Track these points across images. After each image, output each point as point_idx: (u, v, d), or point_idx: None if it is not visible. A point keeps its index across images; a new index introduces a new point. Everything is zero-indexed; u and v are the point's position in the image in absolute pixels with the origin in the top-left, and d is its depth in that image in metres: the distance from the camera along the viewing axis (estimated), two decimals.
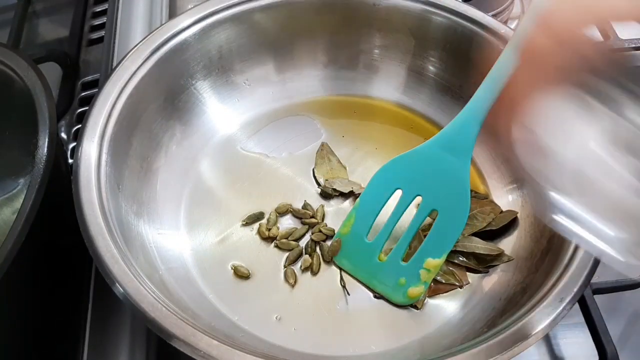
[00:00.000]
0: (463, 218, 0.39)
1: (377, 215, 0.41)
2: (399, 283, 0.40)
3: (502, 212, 0.44)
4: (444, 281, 0.41)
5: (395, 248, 0.41)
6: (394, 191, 0.41)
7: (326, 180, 0.46)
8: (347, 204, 0.46)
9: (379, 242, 0.41)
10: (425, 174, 0.39)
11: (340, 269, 0.42)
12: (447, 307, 0.40)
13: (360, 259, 0.41)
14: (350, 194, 0.46)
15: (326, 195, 0.46)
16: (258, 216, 0.44)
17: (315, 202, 0.46)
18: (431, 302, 0.41)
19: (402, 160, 0.40)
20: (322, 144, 0.48)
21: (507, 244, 0.43)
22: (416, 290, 0.40)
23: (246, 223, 0.44)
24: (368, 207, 0.41)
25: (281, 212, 0.45)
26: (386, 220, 0.41)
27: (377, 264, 0.41)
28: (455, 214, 0.39)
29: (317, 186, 0.46)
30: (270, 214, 0.44)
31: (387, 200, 0.41)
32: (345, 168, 0.47)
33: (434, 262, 0.39)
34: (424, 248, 0.40)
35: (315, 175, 0.47)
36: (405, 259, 0.40)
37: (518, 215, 0.44)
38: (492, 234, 0.43)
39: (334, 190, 0.46)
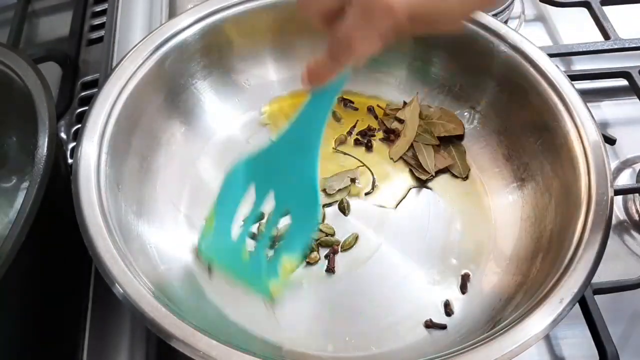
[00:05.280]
0: (314, 217, 0.38)
1: (234, 215, 0.40)
2: (262, 278, 0.39)
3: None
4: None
5: (256, 247, 0.41)
6: (248, 189, 0.40)
7: (324, 178, 0.46)
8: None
9: (240, 242, 0.41)
10: (275, 171, 0.38)
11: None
12: (446, 308, 0.40)
13: (228, 257, 0.41)
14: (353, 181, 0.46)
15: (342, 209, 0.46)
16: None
17: None
18: (431, 302, 0.41)
19: (253, 158, 0.39)
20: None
21: (507, 244, 0.43)
22: (277, 285, 0.39)
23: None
24: (226, 208, 0.40)
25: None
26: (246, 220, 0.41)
27: (242, 262, 0.40)
28: (306, 212, 0.38)
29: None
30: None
31: (242, 199, 0.40)
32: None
33: (291, 259, 0.39)
34: (280, 247, 0.40)
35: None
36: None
37: (519, 216, 0.44)
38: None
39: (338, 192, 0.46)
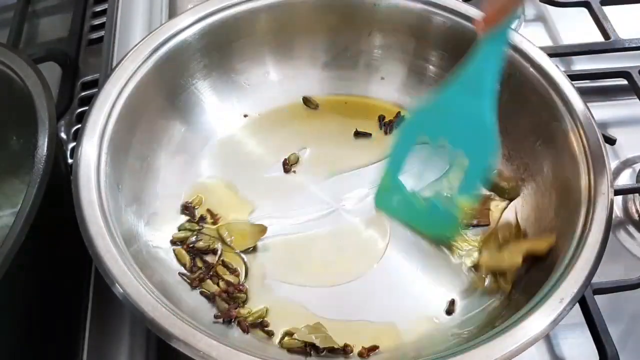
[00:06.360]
0: (487, 155, 0.40)
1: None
2: (440, 224, 0.42)
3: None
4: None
5: (431, 195, 0.43)
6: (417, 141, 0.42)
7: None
8: None
9: (414, 192, 0.43)
10: (449, 121, 0.40)
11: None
12: (447, 307, 0.40)
13: (404, 210, 0.44)
14: None
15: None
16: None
17: (309, 203, 0.45)
18: (430, 300, 0.41)
19: (424, 110, 0.42)
20: None
21: None
22: (454, 228, 0.42)
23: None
24: (397, 162, 0.43)
25: None
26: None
27: (419, 211, 0.43)
28: (480, 152, 0.40)
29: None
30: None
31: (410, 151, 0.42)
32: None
33: (466, 199, 0.41)
34: (455, 190, 0.41)
35: None
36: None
37: (519, 216, 0.44)
38: None
39: None
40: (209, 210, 0.44)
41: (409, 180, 0.43)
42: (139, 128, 0.43)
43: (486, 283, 0.41)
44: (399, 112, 0.50)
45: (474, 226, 0.44)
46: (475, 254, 0.43)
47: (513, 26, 0.41)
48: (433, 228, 0.43)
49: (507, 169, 0.46)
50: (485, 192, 0.45)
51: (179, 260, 0.41)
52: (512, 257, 0.40)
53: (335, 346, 0.38)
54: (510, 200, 0.45)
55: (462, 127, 0.40)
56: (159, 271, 0.39)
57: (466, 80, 0.39)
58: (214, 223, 0.44)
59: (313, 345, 0.37)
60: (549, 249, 0.39)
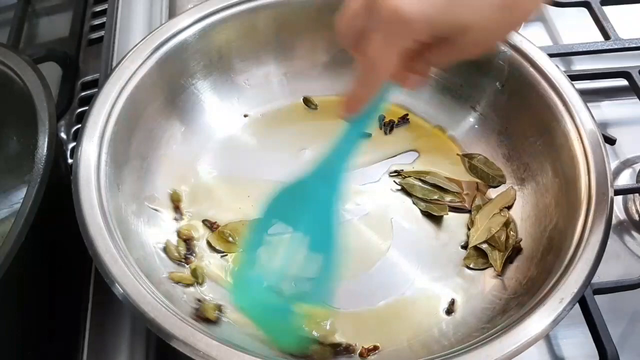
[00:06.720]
0: (331, 262, 0.35)
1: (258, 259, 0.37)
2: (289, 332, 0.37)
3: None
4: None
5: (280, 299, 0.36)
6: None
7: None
8: None
9: (267, 292, 0.36)
10: (300, 209, 0.36)
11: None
12: (447, 306, 0.40)
13: (260, 307, 0.37)
14: None
15: None
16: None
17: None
18: (430, 300, 0.41)
19: (278, 196, 0.37)
20: None
21: None
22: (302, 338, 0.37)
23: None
24: (252, 253, 0.37)
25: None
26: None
27: (270, 315, 0.37)
28: (324, 255, 0.35)
29: None
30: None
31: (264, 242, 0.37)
32: None
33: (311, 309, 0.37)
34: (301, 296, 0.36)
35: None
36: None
37: (519, 216, 0.44)
38: None
39: None
40: (206, 221, 0.44)
41: (269, 273, 0.37)
42: (139, 128, 0.43)
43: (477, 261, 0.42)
44: (405, 115, 0.50)
45: (458, 210, 0.45)
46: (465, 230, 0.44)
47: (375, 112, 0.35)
48: (280, 338, 0.37)
49: (507, 169, 0.46)
50: (471, 178, 0.47)
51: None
52: (495, 218, 0.43)
53: (335, 342, 0.37)
54: (494, 187, 0.46)
55: (311, 216, 0.35)
56: (159, 271, 0.39)
57: (322, 165, 0.35)
58: (212, 230, 0.43)
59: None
60: (513, 194, 0.44)
